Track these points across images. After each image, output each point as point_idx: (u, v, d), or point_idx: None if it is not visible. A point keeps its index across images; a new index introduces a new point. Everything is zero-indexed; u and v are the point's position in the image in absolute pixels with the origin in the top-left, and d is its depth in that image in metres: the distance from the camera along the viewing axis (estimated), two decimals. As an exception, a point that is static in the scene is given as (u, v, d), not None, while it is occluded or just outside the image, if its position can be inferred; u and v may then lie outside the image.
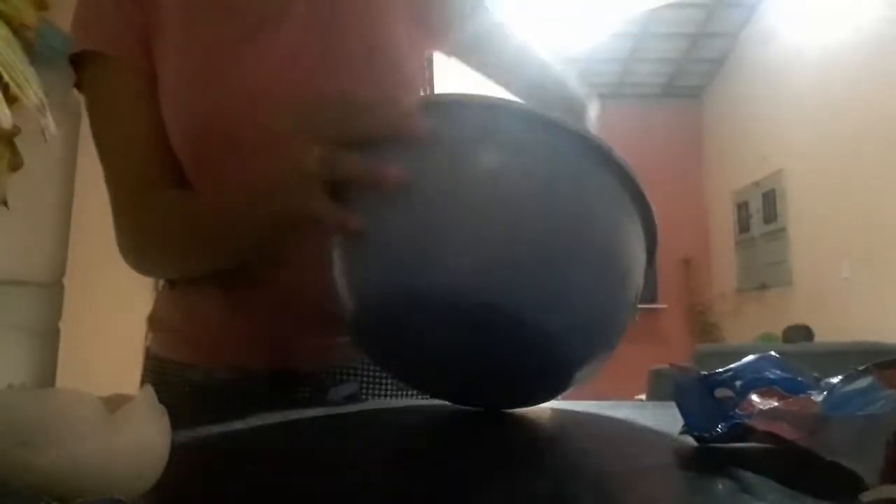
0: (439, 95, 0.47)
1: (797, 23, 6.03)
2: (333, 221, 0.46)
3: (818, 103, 5.66)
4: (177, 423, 0.28)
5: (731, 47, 7.22)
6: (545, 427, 0.47)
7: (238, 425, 0.52)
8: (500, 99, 0.46)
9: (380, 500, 0.30)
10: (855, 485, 0.26)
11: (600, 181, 0.45)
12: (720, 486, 0.30)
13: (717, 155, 7.76)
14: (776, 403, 0.35)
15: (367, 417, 0.58)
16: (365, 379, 0.70)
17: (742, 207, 7.19)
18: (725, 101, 7.57)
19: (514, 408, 0.51)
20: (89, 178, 0.67)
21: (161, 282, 0.79)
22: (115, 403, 0.28)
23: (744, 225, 7.17)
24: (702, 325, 7.32)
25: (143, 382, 0.74)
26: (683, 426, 0.39)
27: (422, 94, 0.75)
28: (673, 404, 0.40)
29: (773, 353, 0.39)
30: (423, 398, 0.70)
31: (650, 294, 7.37)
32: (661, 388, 2.51)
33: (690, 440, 0.38)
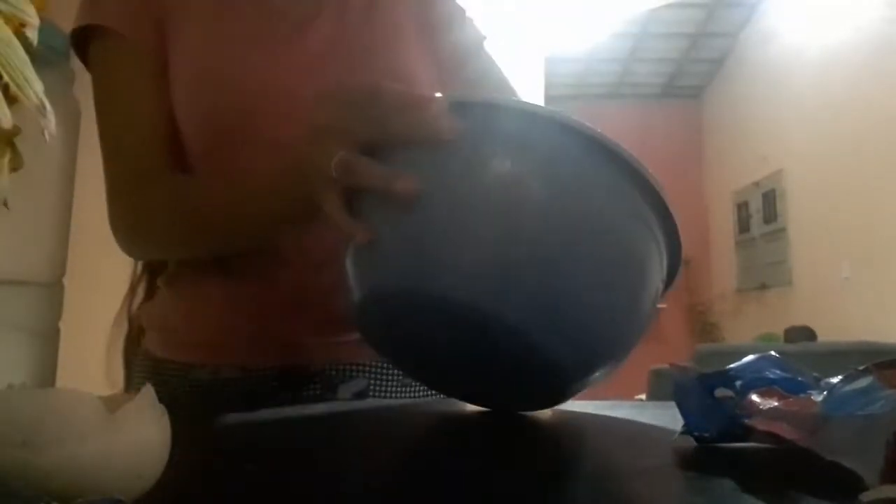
0: (465, 95, 0.46)
1: (797, 23, 6.03)
2: (343, 229, 0.45)
3: (818, 103, 5.66)
4: (175, 422, 0.28)
5: (731, 47, 7.22)
6: (545, 427, 0.47)
7: (240, 424, 0.52)
8: (530, 103, 0.44)
9: (380, 500, 0.30)
10: (855, 485, 0.26)
11: (625, 197, 0.43)
12: (720, 486, 0.30)
13: (717, 155, 7.76)
14: (776, 403, 0.35)
15: (374, 415, 0.58)
16: (373, 376, 0.70)
17: (742, 207, 7.19)
18: (725, 101, 7.57)
19: (521, 410, 0.51)
20: (89, 178, 0.67)
21: (144, 283, 0.78)
22: (115, 403, 0.28)
23: (744, 225, 7.17)
24: (702, 325, 7.32)
25: (127, 382, 0.74)
26: (683, 426, 0.39)
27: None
28: (673, 404, 0.40)
29: (772, 353, 0.39)
30: (431, 395, 0.70)
31: (650, 294, 7.37)
32: (661, 388, 2.51)
33: (690, 440, 0.38)
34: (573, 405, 0.52)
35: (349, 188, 0.46)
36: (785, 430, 0.32)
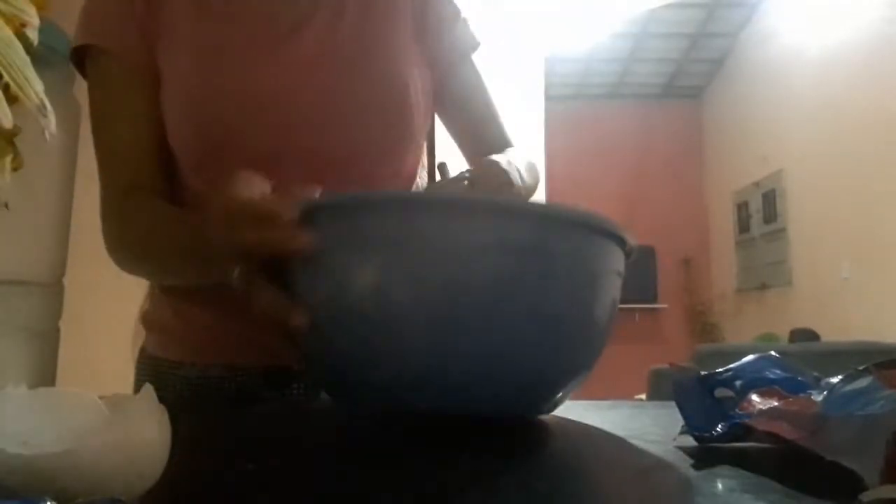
0: (319, 198, 0.46)
1: (797, 23, 6.04)
2: (275, 315, 0.45)
3: (818, 103, 5.66)
4: (176, 422, 0.28)
5: (731, 47, 7.22)
6: (544, 427, 0.47)
7: (237, 424, 0.52)
8: (372, 194, 0.45)
9: (380, 499, 0.30)
10: (855, 485, 0.26)
11: (504, 246, 0.40)
12: (720, 486, 0.30)
13: (717, 155, 7.76)
14: (776, 403, 0.35)
15: (361, 414, 0.57)
16: None
17: (742, 207, 7.20)
18: (725, 101, 7.57)
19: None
20: (89, 178, 0.67)
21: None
22: (115, 403, 0.28)
23: (744, 225, 7.17)
24: (702, 325, 7.32)
25: (137, 382, 0.74)
26: (683, 426, 0.39)
27: (420, 131, 0.76)
28: (673, 404, 0.40)
29: (772, 353, 0.39)
30: None
31: (650, 294, 7.37)
32: (661, 388, 2.51)
33: (690, 440, 0.38)
34: (573, 405, 0.52)
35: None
36: (785, 430, 0.32)
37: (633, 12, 5.79)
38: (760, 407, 0.35)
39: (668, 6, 5.46)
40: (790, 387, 0.36)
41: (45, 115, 0.30)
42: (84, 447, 0.23)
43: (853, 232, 5.23)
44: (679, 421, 0.39)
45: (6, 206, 0.32)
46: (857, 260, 5.20)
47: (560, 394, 0.45)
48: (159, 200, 0.68)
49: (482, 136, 0.81)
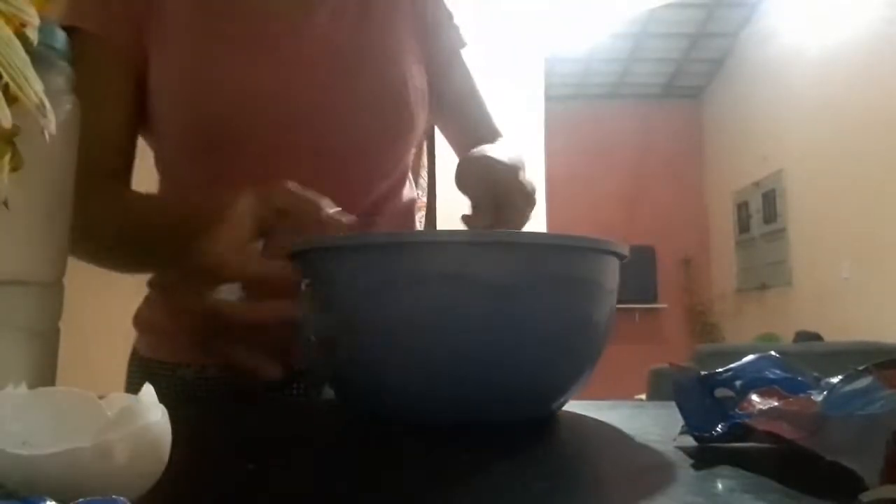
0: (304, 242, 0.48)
1: (797, 23, 6.04)
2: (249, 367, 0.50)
3: (818, 103, 5.67)
4: (176, 422, 0.28)
5: (731, 47, 7.22)
6: (543, 427, 0.47)
7: (237, 424, 0.52)
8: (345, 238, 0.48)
9: (380, 498, 0.30)
10: (855, 485, 0.26)
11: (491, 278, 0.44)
12: (720, 486, 0.30)
13: (717, 155, 7.76)
14: (776, 403, 0.35)
15: (363, 414, 0.58)
16: None
17: (742, 207, 7.20)
18: (725, 101, 7.57)
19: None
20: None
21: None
22: (115, 403, 0.28)
23: (744, 225, 7.17)
24: (702, 325, 7.33)
25: (129, 384, 0.74)
26: (683, 426, 0.39)
27: (418, 125, 0.76)
28: (673, 404, 0.40)
29: (772, 353, 0.39)
30: None
31: (650, 294, 7.37)
32: (661, 388, 2.51)
33: (690, 440, 0.38)
34: (573, 405, 0.52)
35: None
36: (785, 430, 0.32)
37: (633, 12, 5.78)
38: (760, 407, 0.35)
39: (668, 6, 5.46)
40: (790, 387, 0.36)
41: (44, 115, 0.30)
42: (84, 447, 0.23)
43: (853, 232, 5.24)
44: (679, 421, 0.39)
45: (6, 205, 0.31)
46: (857, 260, 5.21)
47: (564, 396, 0.49)
48: (130, 190, 0.69)
49: (475, 134, 0.81)
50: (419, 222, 0.88)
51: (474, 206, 0.58)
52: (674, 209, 7.51)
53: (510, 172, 0.60)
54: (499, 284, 0.42)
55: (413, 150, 0.78)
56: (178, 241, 0.56)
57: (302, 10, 0.71)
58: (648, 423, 0.49)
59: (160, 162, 0.73)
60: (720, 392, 0.38)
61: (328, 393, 0.69)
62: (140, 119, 0.69)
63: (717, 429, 0.37)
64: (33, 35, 0.34)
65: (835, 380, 0.33)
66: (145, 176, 0.74)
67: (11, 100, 0.32)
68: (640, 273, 7.06)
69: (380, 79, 0.71)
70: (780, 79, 6.26)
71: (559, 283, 0.44)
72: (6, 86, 0.32)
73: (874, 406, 0.28)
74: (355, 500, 0.30)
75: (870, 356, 0.33)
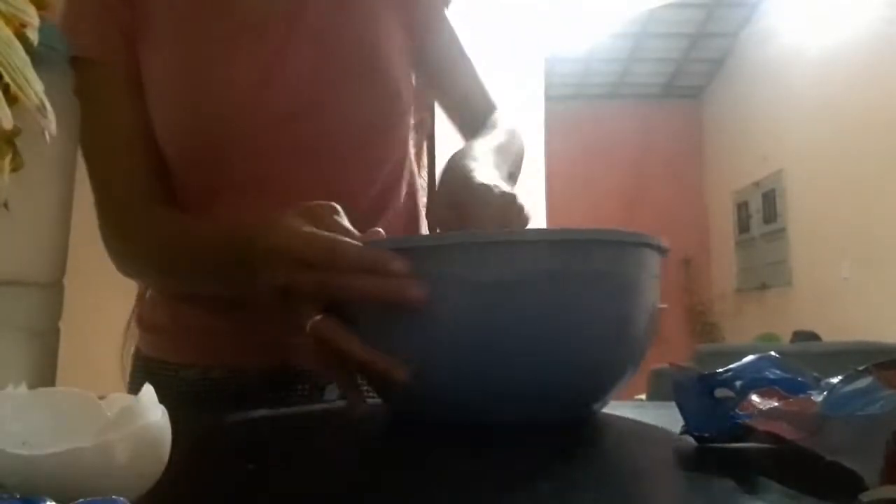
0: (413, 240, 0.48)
1: (797, 23, 6.04)
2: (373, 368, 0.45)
3: (818, 103, 5.66)
4: (176, 422, 0.28)
5: (731, 47, 7.22)
6: (544, 426, 0.47)
7: (237, 424, 0.52)
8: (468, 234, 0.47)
9: (380, 498, 0.30)
10: (855, 485, 0.26)
11: (594, 273, 0.44)
12: (720, 486, 0.30)
13: (717, 155, 7.76)
14: (776, 403, 0.35)
15: (370, 414, 0.57)
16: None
17: (742, 207, 7.20)
18: (725, 101, 7.57)
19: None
20: (89, 179, 0.67)
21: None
22: (115, 403, 0.28)
23: (744, 225, 7.17)
24: (702, 325, 7.32)
25: (132, 384, 0.74)
26: (683, 426, 0.39)
27: (407, 102, 0.75)
28: (673, 404, 0.40)
29: (772, 353, 0.39)
30: None
31: (650, 294, 7.36)
32: (661, 388, 2.51)
33: (690, 440, 0.38)
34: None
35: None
36: (785, 430, 0.32)
37: (633, 12, 5.79)
38: (760, 407, 0.35)
39: (668, 6, 5.47)
40: (790, 387, 0.36)
41: (45, 116, 0.30)
42: (84, 447, 0.23)
43: (853, 232, 5.23)
44: (679, 421, 0.39)
45: (6, 206, 0.31)
46: (857, 260, 5.20)
47: (607, 396, 0.49)
48: (183, 214, 0.67)
49: (467, 109, 0.80)
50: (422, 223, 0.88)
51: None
52: (674, 209, 7.51)
53: (484, 191, 0.55)
54: (545, 282, 0.42)
55: (405, 127, 0.76)
56: (236, 258, 0.54)
57: (295, 7, 0.69)
58: (648, 423, 0.49)
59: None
60: (720, 392, 0.38)
61: (329, 394, 0.69)
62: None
63: (717, 429, 0.37)
64: (33, 35, 0.34)
65: (835, 380, 0.33)
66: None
67: (12, 100, 0.32)
68: (640, 273, 7.03)
69: (358, 51, 0.69)
70: (780, 79, 6.26)
71: (607, 279, 0.44)
72: (7, 86, 0.32)
73: (874, 406, 0.28)
74: (355, 499, 0.30)
75: (870, 356, 0.33)
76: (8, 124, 0.30)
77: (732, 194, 7.34)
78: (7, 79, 0.31)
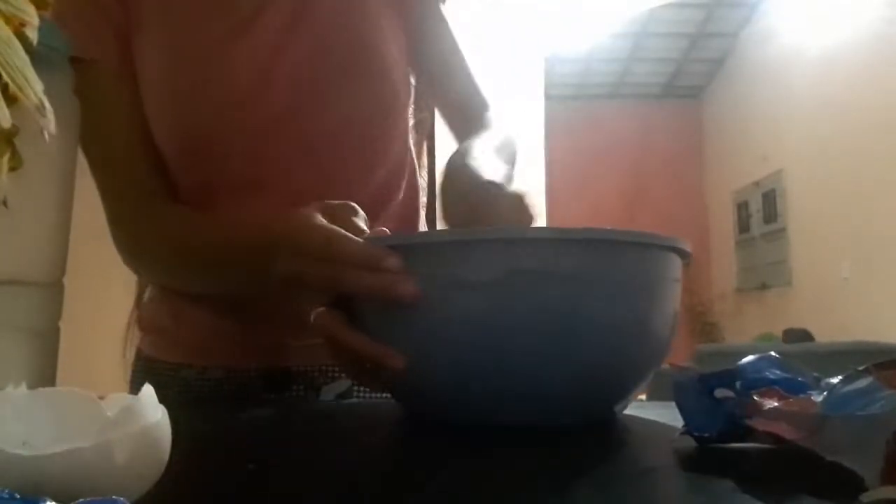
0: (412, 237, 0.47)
1: (797, 23, 6.04)
2: (368, 357, 0.46)
3: (818, 103, 5.66)
4: (176, 422, 0.28)
5: (731, 47, 7.22)
6: (543, 426, 0.47)
7: (237, 425, 0.52)
8: (472, 231, 0.47)
9: (379, 499, 0.30)
10: (855, 485, 0.26)
11: (603, 273, 0.43)
12: (720, 486, 0.30)
13: (717, 155, 7.76)
14: (776, 403, 0.35)
15: (361, 415, 0.58)
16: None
17: (742, 207, 7.20)
18: (725, 101, 7.57)
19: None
20: (89, 179, 0.67)
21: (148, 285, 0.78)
22: (115, 403, 0.28)
23: (744, 225, 7.17)
24: (702, 325, 7.32)
25: (133, 384, 0.74)
26: (683, 426, 0.39)
27: (405, 101, 0.75)
28: (673, 404, 0.40)
29: (773, 353, 0.39)
30: None
31: (650, 294, 7.36)
32: (661, 388, 2.50)
33: (690, 440, 0.38)
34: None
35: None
36: (785, 430, 0.32)
37: (633, 12, 5.79)
38: (760, 407, 0.35)
39: (668, 6, 5.46)
40: (790, 387, 0.36)
41: (44, 116, 0.30)
42: (84, 447, 0.23)
43: (853, 232, 5.23)
44: (679, 421, 0.39)
45: (5, 204, 0.31)
46: (857, 260, 5.20)
47: (627, 398, 0.48)
48: (192, 210, 0.67)
49: (461, 108, 0.80)
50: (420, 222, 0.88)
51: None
52: (674, 209, 7.51)
53: (495, 190, 0.55)
54: (567, 283, 0.42)
55: (403, 124, 0.76)
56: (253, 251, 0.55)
57: (282, 3, 0.69)
58: (648, 423, 0.49)
59: None
60: (720, 392, 0.38)
61: (326, 395, 0.69)
62: None
63: (717, 429, 0.37)
64: (33, 35, 0.34)
65: (835, 380, 0.33)
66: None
67: (11, 100, 0.32)
68: (640, 273, 7.03)
69: (354, 47, 0.69)
70: (780, 79, 6.26)
71: (630, 280, 0.44)
72: (6, 86, 0.32)
73: (874, 406, 0.28)
74: (355, 499, 0.30)
75: (870, 356, 0.33)
76: (7, 123, 0.30)
77: (732, 194, 7.34)
78: (6, 78, 0.31)
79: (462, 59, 0.81)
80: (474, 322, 0.42)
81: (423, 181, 0.86)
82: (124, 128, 0.66)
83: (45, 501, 0.19)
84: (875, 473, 0.26)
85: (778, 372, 0.37)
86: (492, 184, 0.55)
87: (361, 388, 0.70)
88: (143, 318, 0.74)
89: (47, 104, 0.33)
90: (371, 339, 0.45)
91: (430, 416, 0.48)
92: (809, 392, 0.35)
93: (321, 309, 0.48)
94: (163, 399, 0.27)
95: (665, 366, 0.48)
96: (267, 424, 0.53)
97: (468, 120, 0.77)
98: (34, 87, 0.32)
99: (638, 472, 0.35)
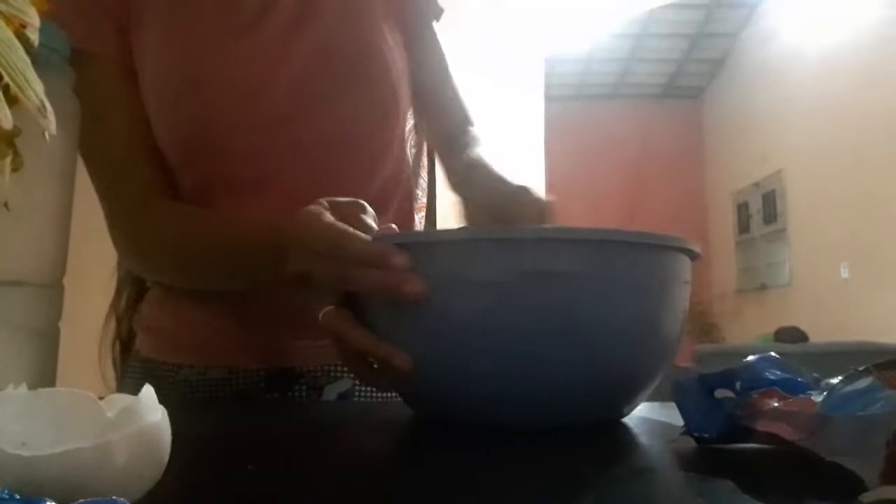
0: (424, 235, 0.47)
1: (797, 23, 6.04)
2: (375, 354, 0.46)
3: (818, 103, 5.67)
4: (176, 422, 0.28)
5: (731, 47, 7.22)
6: (543, 427, 0.47)
7: (237, 424, 0.52)
8: (479, 231, 0.47)
9: (380, 499, 0.30)
10: (855, 485, 0.26)
11: (609, 274, 0.43)
12: (720, 486, 0.30)
13: (717, 155, 7.76)
14: (776, 404, 0.35)
15: (363, 415, 0.58)
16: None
17: (742, 207, 7.20)
18: (725, 101, 7.57)
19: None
20: (89, 179, 0.67)
21: (129, 285, 0.78)
22: (115, 403, 0.28)
23: (744, 225, 7.17)
24: (702, 325, 7.32)
25: (127, 385, 0.73)
26: (683, 426, 0.39)
27: (405, 104, 0.75)
28: (673, 404, 0.40)
29: (772, 353, 0.39)
30: None
31: (650, 294, 7.36)
32: (661, 388, 2.50)
33: (690, 440, 0.38)
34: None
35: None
36: (785, 431, 0.32)
37: (633, 12, 5.79)
38: (760, 407, 0.35)
39: (668, 6, 5.47)
40: (790, 387, 0.36)
41: (45, 116, 0.30)
42: (84, 447, 0.23)
43: (853, 232, 5.24)
44: (679, 421, 0.39)
45: (6, 206, 0.31)
46: (857, 260, 5.21)
47: (637, 399, 0.48)
48: (187, 206, 0.67)
49: (450, 125, 0.80)
50: (419, 223, 0.88)
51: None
52: (674, 209, 7.51)
53: (524, 195, 0.56)
54: (580, 283, 0.42)
55: (403, 125, 0.76)
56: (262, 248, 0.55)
57: (284, 5, 0.69)
58: (648, 423, 0.49)
59: None
60: (720, 392, 0.38)
61: (328, 394, 0.69)
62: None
63: (717, 429, 0.37)
64: (33, 36, 0.34)
65: (835, 380, 0.33)
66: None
67: (12, 101, 0.32)
68: (640, 273, 7.04)
69: (355, 54, 0.69)
70: (780, 79, 6.26)
71: (644, 281, 0.44)
72: (7, 87, 0.32)
73: (874, 406, 0.28)
74: (355, 499, 0.30)
75: (870, 356, 0.33)
76: (8, 124, 0.30)
77: (732, 194, 7.34)
78: (7, 79, 0.31)
79: (449, 77, 0.82)
80: (484, 322, 0.42)
81: (423, 181, 0.86)
82: (124, 123, 0.66)
83: (45, 501, 0.19)
84: (875, 473, 0.26)
85: (778, 372, 0.38)
86: (520, 188, 0.56)
87: (363, 388, 0.70)
88: (142, 319, 0.74)
89: (48, 105, 0.33)
90: (379, 338, 0.45)
91: (439, 416, 0.47)
92: (809, 392, 0.35)
93: (329, 308, 0.48)
94: (162, 400, 0.27)
95: (666, 366, 0.48)
96: (268, 424, 0.53)
97: (450, 136, 0.77)
98: (35, 87, 0.32)
99: (638, 472, 0.35)
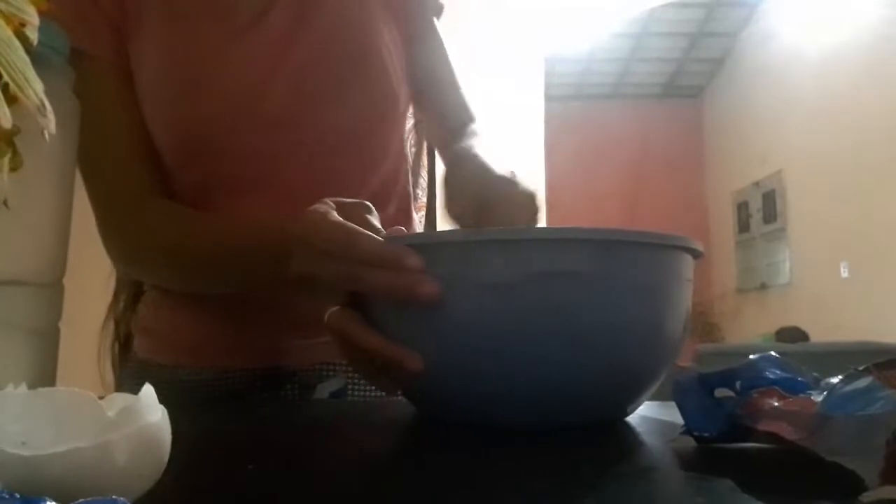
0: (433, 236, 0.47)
1: (797, 23, 6.04)
2: (386, 357, 0.45)
3: (818, 103, 5.67)
4: (175, 422, 0.28)
5: (731, 47, 7.22)
6: (543, 427, 0.47)
7: (236, 424, 0.52)
8: (491, 231, 0.46)
9: (379, 499, 0.30)
10: (855, 485, 0.26)
11: (619, 275, 0.43)
12: (720, 486, 0.30)
13: (717, 155, 7.76)
14: (776, 403, 0.35)
15: (359, 414, 0.58)
16: (351, 375, 0.70)
17: (742, 207, 7.20)
18: (725, 101, 7.57)
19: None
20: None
21: (127, 287, 0.78)
22: (115, 403, 0.28)
23: (744, 225, 7.17)
24: (702, 325, 7.32)
25: (124, 386, 0.73)
26: (683, 426, 0.39)
27: (404, 104, 0.74)
28: (673, 404, 0.40)
29: (772, 353, 0.39)
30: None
31: (650, 294, 7.36)
32: (661, 387, 2.50)
33: (690, 440, 0.38)
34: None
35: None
36: (785, 430, 0.32)
37: (633, 12, 5.79)
38: (760, 407, 0.35)
39: (668, 6, 5.46)
40: (790, 387, 0.36)
41: (44, 116, 0.30)
42: (84, 447, 0.23)
43: (853, 232, 5.24)
44: (679, 421, 0.39)
45: (5, 204, 0.31)
46: (857, 260, 5.21)
47: (641, 399, 0.48)
48: (185, 207, 0.67)
49: (448, 107, 0.79)
50: (419, 223, 0.88)
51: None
52: (674, 209, 7.51)
53: (508, 186, 0.55)
54: (591, 284, 0.42)
55: (401, 125, 0.76)
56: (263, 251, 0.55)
57: (289, 2, 0.69)
58: (648, 423, 0.49)
59: None
60: (720, 392, 0.38)
61: (320, 392, 0.69)
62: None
63: (717, 429, 0.37)
64: (33, 35, 0.34)
65: (835, 380, 0.33)
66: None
67: (11, 100, 0.32)
68: (640, 273, 7.04)
69: (354, 56, 0.69)
70: (780, 79, 6.27)
71: (650, 281, 0.44)
72: (6, 86, 0.32)
73: (874, 406, 0.28)
74: (355, 499, 0.30)
75: (870, 356, 0.33)
76: (7, 124, 0.30)
77: (732, 194, 7.34)
78: (6, 78, 0.31)
79: (452, 73, 0.81)
80: (491, 323, 0.42)
81: (423, 181, 0.86)
82: (119, 124, 0.66)
83: (45, 501, 0.19)
84: (875, 473, 0.26)
85: (778, 372, 0.37)
86: (505, 179, 0.55)
87: (356, 387, 0.70)
88: (139, 321, 0.74)
89: (47, 104, 0.33)
90: (388, 339, 0.45)
91: (443, 416, 0.47)
92: (809, 392, 0.35)
93: (335, 308, 0.47)
94: (162, 399, 0.27)
95: (666, 366, 0.48)
96: (268, 424, 0.53)
97: (452, 131, 0.77)
98: (34, 87, 0.32)
99: (638, 472, 0.35)
